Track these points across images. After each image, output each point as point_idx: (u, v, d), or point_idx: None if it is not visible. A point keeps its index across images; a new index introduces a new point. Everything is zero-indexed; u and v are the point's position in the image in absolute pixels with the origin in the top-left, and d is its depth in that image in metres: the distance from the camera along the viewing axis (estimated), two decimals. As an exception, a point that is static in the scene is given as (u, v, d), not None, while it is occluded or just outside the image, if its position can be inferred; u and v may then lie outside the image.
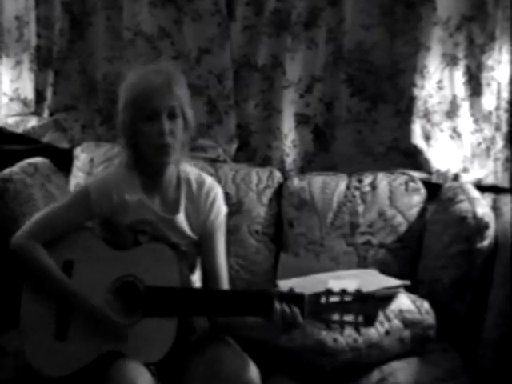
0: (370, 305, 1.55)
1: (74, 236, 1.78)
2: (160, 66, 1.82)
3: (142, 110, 1.71)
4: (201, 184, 1.84)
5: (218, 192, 1.86)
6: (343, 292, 1.56)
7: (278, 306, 1.57)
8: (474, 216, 1.98)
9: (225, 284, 1.83)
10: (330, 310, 1.56)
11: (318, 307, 1.57)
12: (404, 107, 2.38)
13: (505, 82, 2.22)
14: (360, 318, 1.54)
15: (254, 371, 1.64)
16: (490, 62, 2.26)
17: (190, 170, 1.86)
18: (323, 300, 1.57)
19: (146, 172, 1.80)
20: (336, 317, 1.55)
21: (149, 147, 1.73)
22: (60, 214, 1.79)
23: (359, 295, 1.55)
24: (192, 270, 1.84)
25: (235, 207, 2.29)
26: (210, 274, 1.83)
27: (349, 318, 1.55)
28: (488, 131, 2.30)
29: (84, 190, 1.81)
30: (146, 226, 1.78)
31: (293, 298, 1.59)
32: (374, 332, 1.81)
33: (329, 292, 1.57)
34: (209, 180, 1.87)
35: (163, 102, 1.71)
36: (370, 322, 1.55)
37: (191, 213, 1.81)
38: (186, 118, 1.76)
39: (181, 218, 1.80)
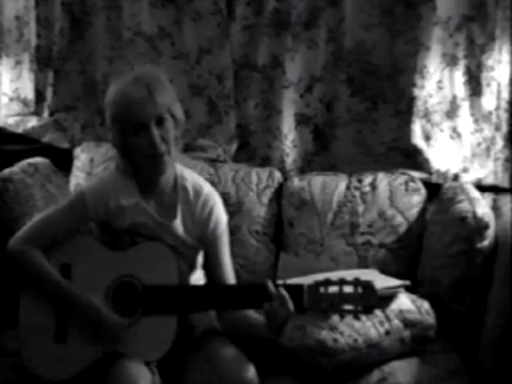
0: (368, 293, 1.55)
1: (70, 239, 1.78)
2: (138, 73, 1.73)
3: (128, 125, 1.69)
4: (198, 193, 1.82)
5: (216, 202, 1.84)
6: (342, 281, 1.57)
7: (274, 294, 1.59)
8: (474, 216, 1.98)
9: None
10: (329, 300, 1.57)
11: (318, 297, 1.58)
12: (404, 107, 2.38)
13: (505, 82, 2.21)
14: (359, 307, 1.55)
15: (251, 370, 1.64)
16: (489, 62, 2.26)
17: (188, 176, 1.84)
18: (322, 290, 1.58)
19: (142, 177, 1.79)
20: (335, 306, 1.56)
21: (143, 159, 1.72)
22: (56, 219, 1.78)
23: (358, 283, 1.56)
24: (191, 270, 1.84)
25: (235, 207, 2.29)
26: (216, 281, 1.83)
27: (348, 306, 1.56)
28: (488, 131, 2.30)
29: (80, 195, 1.81)
30: (143, 229, 1.78)
31: (292, 288, 1.60)
32: (374, 332, 1.81)
33: (328, 281, 1.58)
34: (206, 189, 1.84)
35: (147, 114, 1.67)
36: (369, 310, 1.56)
37: (187, 220, 1.80)
38: (175, 115, 1.74)
39: (177, 225, 1.79)
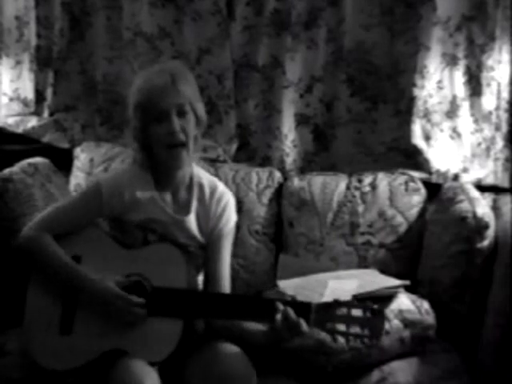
0: (376, 318, 1.54)
1: (82, 232, 1.78)
2: (164, 65, 1.82)
3: (149, 112, 1.71)
4: (213, 190, 1.84)
5: (230, 200, 1.87)
6: (351, 303, 1.55)
7: (281, 311, 1.57)
8: (474, 216, 1.98)
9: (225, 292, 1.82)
10: (336, 321, 1.55)
11: (325, 317, 1.56)
12: (404, 107, 2.38)
13: (505, 81, 2.22)
14: (366, 331, 1.53)
15: (251, 370, 1.64)
16: (490, 62, 2.26)
17: (203, 175, 1.87)
18: (330, 310, 1.56)
19: (159, 171, 1.79)
20: (342, 328, 1.54)
21: (161, 149, 1.73)
22: (70, 210, 1.79)
23: (368, 308, 1.54)
24: (199, 271, 1.85)
25: (235, 207, 2.28)
26: (211, 281, 1.82)
27: (355, 330, 1.54)
28: (488, 131, 2.30)
29: (96, 187, 1.80)
30: (156, 225, 1.78)
31: (299, 306, 1.59)
32: (374, 332, 1.81)
33: (336, 302, 1.56)
34: (221, 187, 1.87)
35: (169, 100, 1.70)
36: (375, 335, 1.54)
37: (201, 217, 1.81)
38: (197, 113, 1.76)
39: (191, 220, 1.80)
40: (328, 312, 1.56)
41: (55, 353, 1.70)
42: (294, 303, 1.60)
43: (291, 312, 1.56)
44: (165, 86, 1.70)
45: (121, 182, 1.79)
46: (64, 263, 1.72)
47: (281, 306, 1.57)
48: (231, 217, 1.86)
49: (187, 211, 1.80)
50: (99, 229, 1.81)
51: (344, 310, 1.55)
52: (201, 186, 1.83)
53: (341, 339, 1.62)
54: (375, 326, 1.54)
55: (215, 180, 1.89)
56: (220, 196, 1.84)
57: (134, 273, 1.71)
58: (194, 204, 1.81)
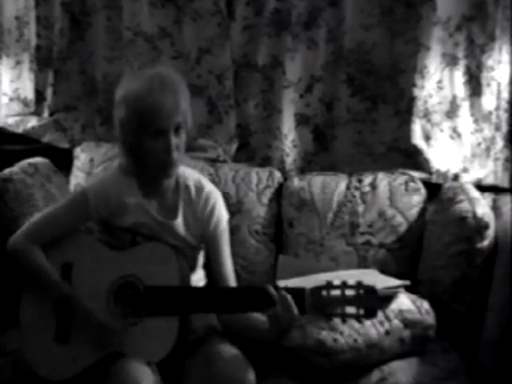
0: (371, 296, 1.55)
1: (71, 238, 1.78)
2: (162, 73, 1.71)
3: (148, 126, 1.66)
4: (200, 190, 1.82)
5: (218, 199, 1.85)
6: (344, 284, 1.56)
7: (278, 296, 1.58)
8: (474, 216, 1.99)
9: None
10: (331, 303, 1.56)
11: (320, 300, 1.57)
12: (404, 107, 2.38)
13: (505, 81, 2.22)
14: (361, 311, 1.54)
15: (250, 371, 1.64)
16: (490, 62, 2.26)
17: (189, 175, 1.85)
18: (324, 293, 1.57)
19: (146, 178, 1.79)
20: (337, 310, 1.55)
21: (153, 163, 1.71)
22: (57, 217, 1.79)
23: (360, 287, 1.55)
24: (192, 272, 1.84)
25: (235, 207, 2.29)
26: (215, 282, 1.83)
27: (350, 310, 1.55)
28: (488, 131, 2.30)
29: (82, 193, 1.81)
30: (144, 229, 1.78)
31: (294, 291, 1.59)
32: (373, 332, 1.81)
33: (329, 285, 1.57)
34: (208, 186, 1.85)
35: (171, 120, 1.67)
36: (371, 313, 1.55)
37: (189, 218, 1.81)
38: (187, 126, 1.75)
39: (179, 224, 1.79)
40: (322, 295, 1.57)
41: (52, 363, 1.70)
42: (288, 289, 1.61)
43: (287, 295, 1.57)
44: (170, 105, 1.65)
45: (107, 188, 1.78)
46: (48, 282, 1.73)
47: (274, 291, 1.59)
48: (222, 216, 1.85)
49: (175, 215, 1.80)
50: (89, 233, 1.81)
51: (338, 292, 1.56)
52: (187, 188, 1.81)
53: (337, 320, 1.62)
54: (370, 304, 1.55)
55: (201, 179, 1.87)
56: (207, 196, 1.82)
57: (126, 274, 1.71)
58: (181, 207, 1.80)
